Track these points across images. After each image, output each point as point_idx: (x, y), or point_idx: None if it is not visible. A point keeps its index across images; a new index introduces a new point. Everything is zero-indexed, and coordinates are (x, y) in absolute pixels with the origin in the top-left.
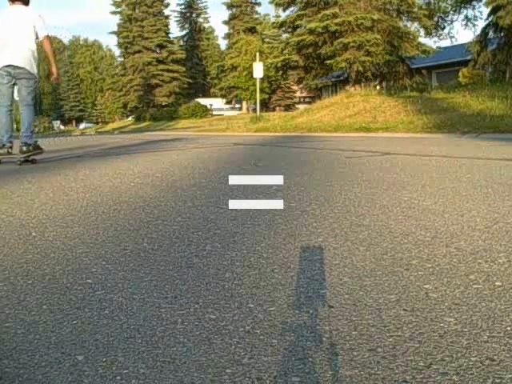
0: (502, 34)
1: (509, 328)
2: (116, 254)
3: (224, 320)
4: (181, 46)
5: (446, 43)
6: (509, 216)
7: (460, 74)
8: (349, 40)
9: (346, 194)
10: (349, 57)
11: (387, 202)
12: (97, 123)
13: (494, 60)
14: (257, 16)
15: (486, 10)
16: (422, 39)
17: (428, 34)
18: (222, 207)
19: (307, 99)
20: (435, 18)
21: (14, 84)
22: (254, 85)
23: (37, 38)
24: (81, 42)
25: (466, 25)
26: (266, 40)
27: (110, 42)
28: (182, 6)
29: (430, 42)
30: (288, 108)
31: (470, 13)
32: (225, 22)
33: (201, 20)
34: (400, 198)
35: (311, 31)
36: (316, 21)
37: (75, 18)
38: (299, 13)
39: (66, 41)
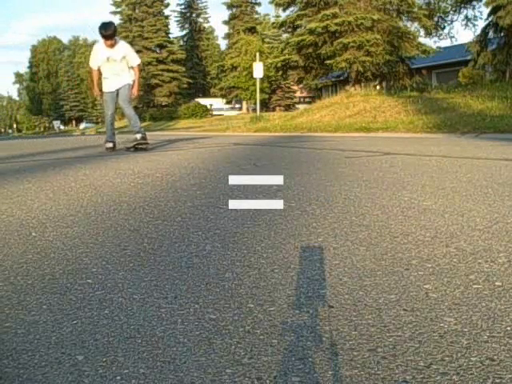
0: (502, 34)
1: (509, 328)
2: (116, 253)
3: (224, 320)
4: (181, 46)
5: (446, 43)
6: (509, 216)
7: (460, 74)
8: (349, 40)
9: (345, 194)
10: (349, 57)
11: (387, 202)
12: (97, 123)
13: (493, 60)
14: (257, 16)
15: (486, 10)
16: (422, 39)
17: (428, 34)
18: (221, 207)
19: (307, 99)
20: (435, 18)
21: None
22: (254, 85)
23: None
24: (80, 42)
25: (466, 25)
26: (266, 40)
27: None
28: (182, 6)
29: (430, 42)
30: (288, 108)
31: (470, 13)
32: (225, 22)
33: (201, 20)
34: (400, 198)
35: (311, 31)
36: (316, 21)
37: (75, 18)
38: (299, 13)
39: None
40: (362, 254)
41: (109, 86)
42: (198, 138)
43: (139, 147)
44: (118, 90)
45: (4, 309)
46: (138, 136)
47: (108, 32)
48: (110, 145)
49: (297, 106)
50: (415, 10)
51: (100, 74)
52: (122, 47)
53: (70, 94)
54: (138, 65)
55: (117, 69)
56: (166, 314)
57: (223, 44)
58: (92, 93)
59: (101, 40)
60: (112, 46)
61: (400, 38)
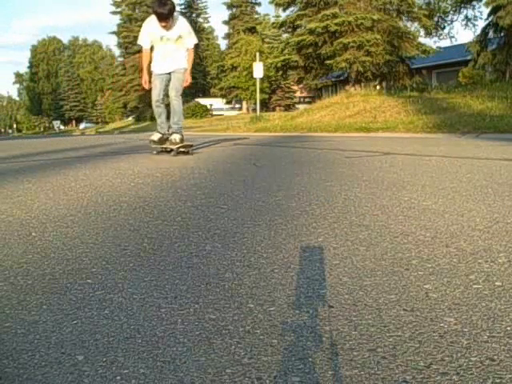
0: (502, 34)
1: (509, 328)
2: (116, 254)
3: (224, 320)
4: None
5: (446, 43)
6: (509, 216)
7: (460, 74)
8: (349, 40)
9: (345, 194)
10: (349, 57)
11: (387, 202)
12: (97, 123)
13: (493, 60)
14: (257, 16)
15: (486, 10)
16: (422, 39)
17: (428, 34)
18: (221, 207)
19: (307, 99)
20: (435, 18)
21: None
22: (254, 85)
23: None
24: (80, 42)
25: (466, 25)
26: (266, 40)
27: (110, 42)
28: (182, 6)
29: (430, 42)
30: (288, 108)
31: (470, 13)
32: (225, 22)
33: (201, 20)
34: (400, 198)
35: (311, 31)
36: (316, 21)
37: (75, 18)
38: (299, 13)
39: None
40: (362, 254)
41: (160, 67)
42: (198, 138)
43: (181, 151)
44: (170, 74)
45: (4, 309)
46: (177, 137)
47: (161, 10)
48: (154, 137)
49: (297, 105)
50: (415, 9)
51: (151, 55)
52: (180, 26)
53: (69, 94)
54: (194, 46)
55: (171, 49)
56: (166, 314)
57: (223, 44)
58: (141, 80)
59: (154, 16)
60: (167, 27)
61: (400, 38)
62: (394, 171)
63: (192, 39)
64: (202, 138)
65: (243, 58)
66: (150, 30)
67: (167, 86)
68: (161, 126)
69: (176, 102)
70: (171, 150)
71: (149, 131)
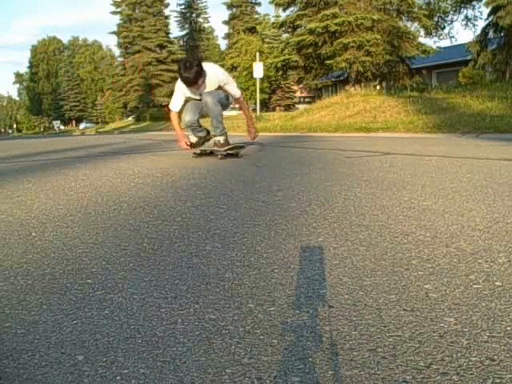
0: (502, 34)
1: (509, 328)
2: (116, 254)
3: (224, 320)
4: (181, 46)
5: (446, 43)
6: (509, 216)
7: (460, 74)
8: (349, 40)
9: (346, 194)
10: (349, 57)
11: (387, 202)
12: (97, 123)
13: (493, 60)
14: (257, 16)
15: (486, 10)
16: (422, 39)
17: (428, 34)
18: (221, 207)
19: (307, 99)
20: (435, 18)
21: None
22: (254, 85)
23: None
24: (80, 42)
25: (466, 25)
26: (266, 40)
27: (110, 42)
28: (182, 6)
29: (430, 42)
30: (288, 108)
31: (470, 13)
32: (225, 22)
33: (201, 20)
34: (400, 198)
35: (311, 31)
36: (316, 21)
37: (75, 18)
38: (299, 13)
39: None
40: (362, 254)
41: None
42: None
43: (230, 153)
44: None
45: (4, 309)
46: (221, 139)
47: (186, 74)
48: (191, 139)
49: (297, 105)
50: (415, 9)
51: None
52: (218, 79)
53: (69, 94)
54: (239, 97)
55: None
56: (166, 314)
57: (223, 44)
58: (180, 144)
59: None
60: (199, 88)
61: (400, 38)
62: (394, 171)
63: (236, 91)
64: None
65: (243, 58)
66: (187, 92)
67: (203, 108)
68: (198, 136)
69: (212, 104)
70: (211, 152)
71: (149, 131)
